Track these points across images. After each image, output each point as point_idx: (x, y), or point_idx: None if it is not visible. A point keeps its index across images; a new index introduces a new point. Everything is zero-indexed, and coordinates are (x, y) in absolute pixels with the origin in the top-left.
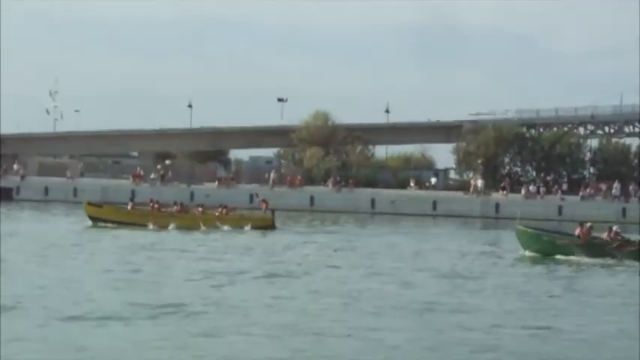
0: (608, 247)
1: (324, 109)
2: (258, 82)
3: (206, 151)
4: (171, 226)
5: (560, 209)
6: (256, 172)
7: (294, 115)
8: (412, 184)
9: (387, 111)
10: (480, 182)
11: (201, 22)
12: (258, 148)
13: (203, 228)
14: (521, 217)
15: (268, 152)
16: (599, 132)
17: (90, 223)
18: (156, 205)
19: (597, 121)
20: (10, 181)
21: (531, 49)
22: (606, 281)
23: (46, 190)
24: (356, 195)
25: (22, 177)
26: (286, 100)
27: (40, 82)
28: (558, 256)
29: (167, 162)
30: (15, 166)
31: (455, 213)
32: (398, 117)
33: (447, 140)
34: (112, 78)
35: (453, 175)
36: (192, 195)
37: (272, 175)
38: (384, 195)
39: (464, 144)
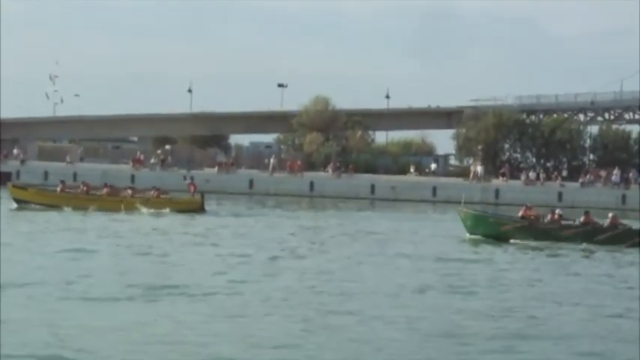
0: (552, 230)
1: (324, 94)
2: (259, 68)
3: (206, 136)
4: (91, 208)
5: (560, 196)
6: (256, 158)
7: (294, 101)
8: (412, 170)
9: (388, 96)
10: (479, 168)
11: (202, 5)
12: (258, 134)
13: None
14: (521, 203)
15: (268, 137)
16: (600, 118)
17: (15, 205)
18: (84, 188)
19: (597, 108)
20: (10, 165)
21: (531, 33)
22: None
23: (46, 175)
24: (356, 181)
25: (22, 161)
26: (286, 86)
27: (40, 65)
28: (503, 239)
29: (167, 147)
30: (15, 151)
31: (455, 199)
32: (398, 103)
33: (448, 126)
34: (112, 62)
35: (453, 161)
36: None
37: (272, 160)
38: (384, 181)
39: (464, 130)
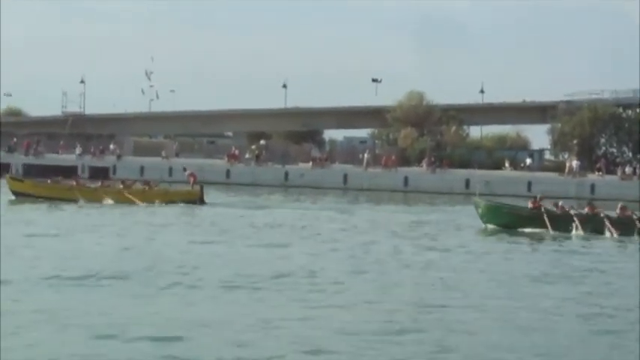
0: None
1: (418, 89)
2: (353, 63)
3: (301, 131)
4: (81, 201)
5: None
6: (350, 153)
7: (388, 96)
8: (507, 164)
9: (482, 91)
10: (575, 163)
11: (296, 3)
12: (352, 129)
13: (110, 202)
14: (617, 198)
15: (362, 132)
16: None
17: (13, 197)
18: (80, 181)
19: None
20: (107, 160)
21: (628, 27)
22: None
23: (142, 170)
24: (450, 175)
25: (119, 157)
26: (380, 81)
27: (136, 62)
28: (519, 229)
29: (262, 142)
30: (111, 146)
31: (550, 194)
32: (493, 97)
33: (543, 121)
34: (207, 58)
35: (548, 155)
36: (286, 175)
37: (366, 155)
38: (479, 175)
39: (559, 124)
